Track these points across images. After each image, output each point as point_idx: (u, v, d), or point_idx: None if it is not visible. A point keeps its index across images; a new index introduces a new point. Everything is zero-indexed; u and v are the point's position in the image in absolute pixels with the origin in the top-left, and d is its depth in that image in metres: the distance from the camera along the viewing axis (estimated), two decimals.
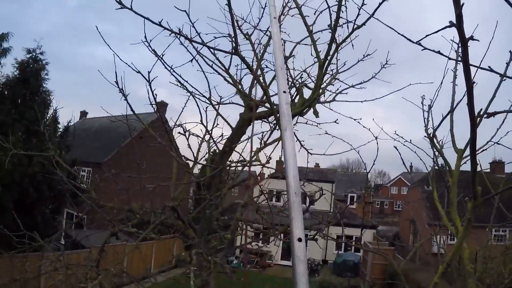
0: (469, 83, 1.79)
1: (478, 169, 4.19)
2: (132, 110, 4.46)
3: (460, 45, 1.72)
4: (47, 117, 23.16)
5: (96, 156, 32.53)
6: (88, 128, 39.85)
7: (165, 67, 4.40)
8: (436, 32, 1.96)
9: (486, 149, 4.08)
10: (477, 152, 3.95)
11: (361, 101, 4.96)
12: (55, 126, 24.35)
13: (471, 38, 1.70)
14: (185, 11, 4.12)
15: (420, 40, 2.20)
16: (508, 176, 3.95)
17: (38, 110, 20.68)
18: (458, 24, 1.63)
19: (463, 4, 1.59)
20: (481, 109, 2.04)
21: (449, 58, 2.65)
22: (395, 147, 4.59)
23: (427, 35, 2.14)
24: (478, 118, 2.04)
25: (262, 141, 4.20)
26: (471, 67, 2.66)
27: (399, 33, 2.42)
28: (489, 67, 2.70)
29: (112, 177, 5.39)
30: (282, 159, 1.60)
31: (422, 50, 2.28)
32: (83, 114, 44.95)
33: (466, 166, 3.93)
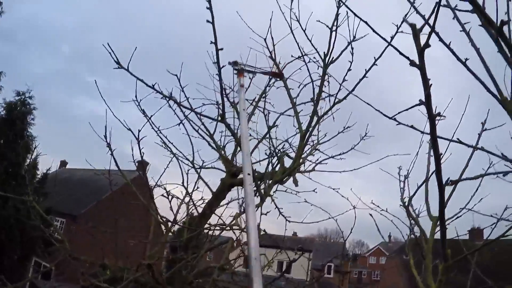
0: (437, 155, 1.96)
1: (454, 236, 4.32)
2: (117, 166, 4.53)
3: (428, 121, 1.89)
4: (28, 162, 22.92)
5: (72, 208, 31.79)
6: (66, 178, 39.20)
7: (152, 128, 4.53)
8: (407, 109, 2.15)
9: (460, 216, 4.18)
10: (452, 219, 4.10)
11: (340, 172, 5.10)
12: (34, 172, 24.06)
13: (438, 114, 1.87)
14: (176, 75, 4.31)
15: (394, 116, 2.37)
16: (485, 242, 4.03)
17: (20, 155, 20.52)
18: (427, 103, 1.81)
19: (431, 84, 1.78)
20: (449, 178, 2.19)
21: (422, 132, 2.83)
22: (371, 215, 4.69)
23: (399, 112, 2.33)
24: (446, 186, 2.19)
25: (242, 206, 4.27)
26: (444, 139, 2.84)
27: (375, 109, 2.60)
28: (458, 139, 2.89)
29: (88, 230, 5.35)
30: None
31: (397, 125, 2.46)
32: (63, 163, 44.40)
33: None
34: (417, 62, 1.86)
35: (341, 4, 4.10)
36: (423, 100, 1.86)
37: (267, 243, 4.56)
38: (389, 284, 36.19)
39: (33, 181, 22.32)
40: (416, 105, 1.91)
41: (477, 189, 3.99)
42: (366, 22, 2.26)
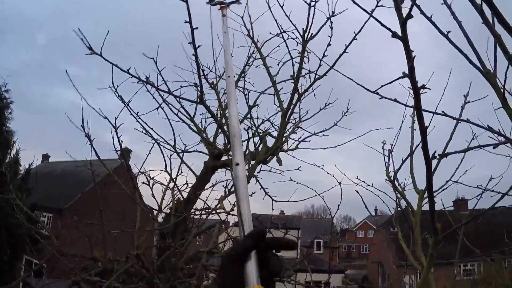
0: (422, 128, 1.92)
1: (440, 207, 4.35)
2: (97, 156, 4.43)
3: (413, 93, 1.85)
4: (9, 158, 22.54)
5: (57, 202, 31.49)
6: (50, 172, 38.74)
7: (131, 114, 4.44)
8: (391, 82, 2.11)
9: (446, 188, 4.19)
10: (438, 192, 4.12)
11: (324, 149, 5.08)
12: (16, 168, 23.69)
13: (423, 87, 1.84)
14: (152, 58, 4.21)
15: (377, 90, 2.34)
16: (471, 212, 4.06)
17: (0, 151, 20.15)
18: (411, 75, 1.77)
19: (414, 56, 1.74)
20: (435, 151, 2.17)
21: (406, 106, 2.80)
22: (357, 191, 4.68)
23: (382, 86, 2.29)
24: (433, 160, 2.17)
25: (226, 189, 4.24)
26: (426, 112, 2.83)
27: (357, 83, 2.57)
28: (443, 111, 2.88)
29: (74, 224, 5.29)
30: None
31: (380, 99, 2.43)
32: (45, 157, 43.75)
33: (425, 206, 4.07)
34: (400, 34, 1.80)
35: None
36: (407, 72, 1.81)
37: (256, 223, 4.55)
38: (378, 257, 36.87)
39: (16, 178, 21.99)
40: (400, 77, 1.87)
41: (461, 161, 4.01)
42: None
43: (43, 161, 43.31)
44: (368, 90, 2.40)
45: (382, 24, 2.09)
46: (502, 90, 2.78)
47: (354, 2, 2.15)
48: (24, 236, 17.77)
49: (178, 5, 3.21)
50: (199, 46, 3.41)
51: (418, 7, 2.17)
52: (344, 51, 4.00)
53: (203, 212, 4.29)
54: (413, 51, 1.76)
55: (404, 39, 1.76)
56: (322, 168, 4.80)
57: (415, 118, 4.40)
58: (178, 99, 4.46)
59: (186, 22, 3.11)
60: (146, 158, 4.79)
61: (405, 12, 1.80)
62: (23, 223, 5.34)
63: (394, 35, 1.81)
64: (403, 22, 1.79)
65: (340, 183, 4.51)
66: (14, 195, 5.68)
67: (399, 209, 4.85)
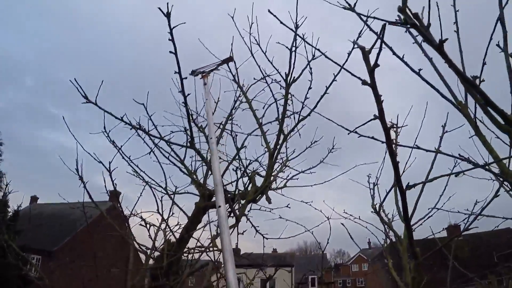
0: (394, 163, 2.11)
1: (429, 234, 4.47)
2: (91, 198, 4.55)
3: (384, 133, 2.04)
4: None
5: (46, 244, 30.88)
6: (38, 214, 38.12)
7: (124, 158, 4.58)
8: (364, 124, 2.30)
9: (431, 215, 4.32)
10: (424, 219, 4.26)
11: (311, 185, 5.23)
12: (5, 210, 23.38)
13: (392, 126, 2.04)
14: (143, 104, 4.39)
15: (354, 129, 2.53)
16: (455, 235, 4.19)
17: None
18: (381, 117, 1.98)
19: (383, 100, 1.94)
20: (408, 182, 2.36)
21: (382, 142, 2.99)
22: (342, 224, 4.82)
23: (358, 126, 2.49)
24: (407, 190, 2.36)
25: (218, 228, 4.31)
26: (404, 146, 2.99)
27: (337, 124, 2.76)
28: (416, 145, 3.08)
29: (67, 265, 5.33)
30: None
31: (359, 137, 2.63)
32: (34, 199, 43.15)
33: (418, 234, 4.21)
34: (369, 81, 2.01)
35: (299, 26, 4.27)
36: (377, 114, 2.01)
37: (247, 262, 4.64)
38: None
39: (4, 219, 21.70)
40: (371, 119, 2.07)
41: (444, 188, 4.15)
42: (318, 50, 2.42)
43: (31, 202, 42.71)
44: (347, 129, 2.60)
45: (352, 74, 2.32)
46: (474, 119, 3.02)
47: (326, 57, 2.37)
48: (14, 277, 17.44)
49: (167, 47, 3.40)
50: (188, 95, 3.60)
51: (390, 48, 2.38)
52: (325, 93, 4.22)
53: (196, 251, 4.37)
54: (381, 95, 1.98)
55: (372, 86, 1.98)
56: (310, 205, 4.95)
57: (397, 151, 4.62)
58: (168, 143, 4.63)
59: (175, 72, 3.30)
60: (138, 199, 4.89)
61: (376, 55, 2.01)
62: (14, 264, 5.34)
63: (364, 82, 2.03)
64: (370, 71, 2.01)
65: (328, 218, 4.65)
66: (6, 237, 5.71)
67: (388, 240, 4.98)
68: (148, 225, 4.71)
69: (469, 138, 3.23)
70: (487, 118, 2.88)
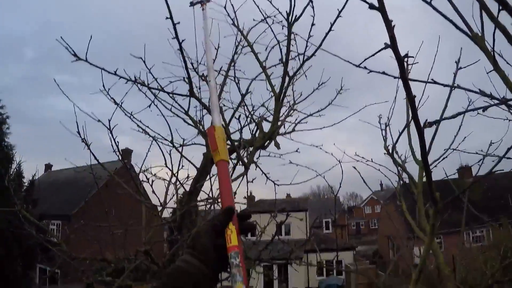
0: (411, 98, 1.93)
1: (443, 176, 4.36)
2: (95, 158, 4.46)
3: (397, 64, 1.84)
4: (11, 172, 22.65)
5: (64, 209, 31.75)
6: (54, 181, 38.94)
7: (125, 114, 4.46)
8: (374, 54, 2.09)
9: (446, 157, 4.16)
10: (438, 161, 4.13)
11: (320, 128, 5.09)
12: (19, 180, 23.82)
13: (406, 55, 1.83)
14: (140, 58, 4.22)
15: (362, 63, 2.32)
16: (477, 178, 4.06)
17: (1, 165, 20.22)
18: (392, 45, 1.76)
19: (394, 25, 1.73)
20: (426, 120, 2.19)
21: (394, 77, 2.81)
22: (354, 167, 4.67)
23: (366, 59, 2.27)
24: (425, 128, 2.18)
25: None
26: (417, 81, 2.84)
27: (343, 59, 2.56)
28: (433, 79, 2.88)
29: (81, 228, 5.33)
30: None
31: (368, 73, 2.42)
32: (48, 167, 43.93)
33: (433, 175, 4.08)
34: (377, 5, 1.79)
35: None
36: (388, 43, 1.81)
37: (261, 209, 4.60)
38: (387, 231, 37.04)
39: (20, 190, 22.10)
40: (382, 49, 1.86)
41: (459, 128, 3.96)
42: None
43: (46, 170, 43.47)
44: (354, 64, 2.39)
45: None
46: (492, 52, 2.79)
47: None
48: (35, 246, 17.92)
49: (160, 4, 3.22)
50: (183, 41, 3.42)
51: None
52: (330, 29, 3.99)
53: (205, 203, 4.32)
54: (392, 20, 1.76)
55: (381, 9, 1.75)
56: (321, 148, 4.83)
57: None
58: (170, 94, 4.48)
59: (167, 18, 3.12)
60: (146, 156, 4.81)
61: None
62: (32, 234, 5.38)
63: (371, 6, 1.80)
64: None
65: (339, 162, 4.53)
66: (19, 207, 5.71)
67: (401, 181, 4.86)
68: (151, 180, 4.63)
69: (487, 73, 3.02)
70: (506, 52, 2.67)
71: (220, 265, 1.30)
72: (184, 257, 1.32)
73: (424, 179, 4.14)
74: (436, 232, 3.32)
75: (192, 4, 2.38)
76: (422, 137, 2.11)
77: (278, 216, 4.54)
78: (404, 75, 1.90)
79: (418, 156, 4.23)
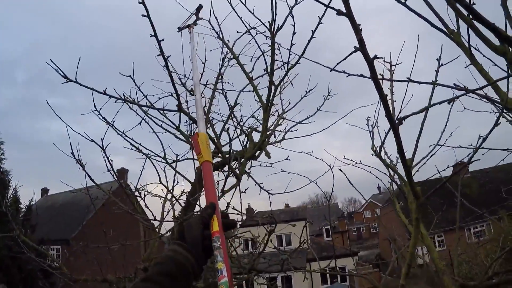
0: (382, 96, 1.98)
1: (434, 173, 4.38)
2: (91, 179, 4.48)
3: (367, 65, 1.88)
4: (8, 198, 22.52)
5: (63, 233, 31.51)
6: (52, 205, 38.69)
7: (118, 133, 4.48)
8: (345, 58, 2.13)
9: (434, 153, 4.17)
10: (427, 158, 4.15)
11: (310, 135, 5.13)
12: (17, 206, 23.66)
13: (375, 57, 1.88)
14: (129, 76, 4.26)
15: (334, 67, 2.35)
16: (453, 173, 4.08)
17: None
18: (361, 47, 1.83)
19: (361, 29, 1.79)
20: (399, 116, 2.24)
21: (367, 77, 2.84)
22: (340, 169, 4.62)
23: (338, 63, 2.30)
24: (399, 125, 2.23)
25: (219, 190, 4.26)
26: (390, 80, 2.86)
27: (316, 62, 2.60)
28: (408, 78, 2.93)
29: (81, 250, 5.34)
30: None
31: (347, 76, 2.46)
32: (45, 191, 43.62)
33: (425, 175, 4.10)
34: (344, 11, 1.85)
35: None
36: (357, 46, 1.86)
37: (261, 221, 4.60)
38: (388, 234, 36.91)
39: (17, 215, 21.97)
40: (352, 52, 1.92)
41: (446, 123, 3.97)
42: None
43: (43, 195, 43.18)
44: (328, 67, 2.43)
45: (324, 4, 2.16)
46: (468, 47, 2.86)
47: None
48: (35, 271, 17.80)
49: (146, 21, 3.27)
50: (168, 57, 3.46)
51: None
52: (312, 37, 4.04)
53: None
54: (359, 24, 1.82)
55: (348, 15, 1.81)
56: (311, 155, 4.87)
57: (393, 90, 4.48)
58: (160, 111, 4.51)
59: (151, 35, 3.16)
60: (141, 174, 4.82)
61: None
62: (32, 258, 5.38)
63: (339, 12, 1.85)
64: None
65: (330, 167, 4.54)
66: (18, 232, 5.72)
67: (394, 183, 4.87)
68: (144, 195, 4.65)
69: (465, 68, 3.09)
70: (482, 45, 2.73)
71: (205, 254, 1.48)
72: (172, 247, 1.48)
73: (420, 178, 4.18)
74: (438, 228, 3.37)
75: (180, 29, 2.46)
76: (397, 133, 2.16)
77: (278, 226, 4.56)
78: (373, 76, 1.95)
79: (408, 155, 4.23)
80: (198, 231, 1.48)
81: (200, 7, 3.18)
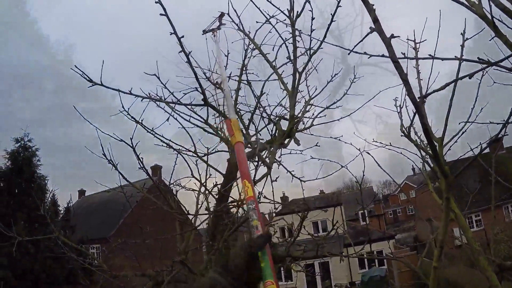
0: (402, 76, 1.92)
1: (467, 151, 4.29)
2: (124, 177, 4.57)
3: (385, 45, 1.84)
4: (46, 201, 23.19)
5: (101, 232, 32.32)
6: (89, 206, 39.73)
7: (147, 131, 4.55)
8: (361, 40, 2.10)
9: (465, 131, 4.08)
10: (458, 136, 4.06)
11: (338, 119, 5.11)
12: (55, 208, 24.39)
13: (392, 36, 1.83)
14: (155, 74, 4.31)
15: (352, 49, 2.33)
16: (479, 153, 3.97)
17: (36, 197, 20.75)
18: (376, 27, 1.78)
19: (375, 9, 1.74)
20: (422, 94, 2.19)
21: (387, 56, 2.79)
22: (368, 152, 4.58)
23: (355, 45, 2.28)
24: (422, 103, 2.18)
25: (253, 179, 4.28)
26: (419, 59, 2.80)
27: (341, 47, 2.57)
28: (430, 55, 2.86)
29: (120, 247, 5.46)
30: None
31: (369, 58, 2.42)
32: (81, 192, 44.87)
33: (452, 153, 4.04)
34: None
35: None
36: (373, 26, 1.83)
37: (296, 208, 4.61)
38: (424, 215, 36.40)
39: (56, 218, 22.62)
40: (368, 33, 1.89)
41: (475, 100, 3.89)
42: None
43: (80, 196, 44.35)
44: (346, 49, 2.40)
45: None
46: (491, 18, 2.77)
47: None
48: (76, 270, 18.31)
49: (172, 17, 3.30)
50: (190, 52, 3.48)
51: None
52: (332, 20, 4.01)
53: (231, 206, 4.37)
54: (373, 4, 1.78)
55: None
56: (339, 139, 4.85)
57: (419, 69, 4.41)
58: (187, 106, 4.56)
59: (171, 33, 3.18)
60: (173, 169, 4.89)
61: None
62: (73, 258, 5.53)
63: None
64: None
65: (360, 151, 4.51)
66: (57, 233, 5.89)
67: (425, 163, 4.79)
68: (176, 191, 4.73)
69: (489, 40, 3.00)
70: (505, 16, 2.65)
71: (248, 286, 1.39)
72: (211, 275, 1.40)
73: (450, 157, 4.10)
74: (475, 208, 3.29)
75: (204, 32, 2.52)
76: (420, 111, 2.10)
77: (313, 213, 4.56)
78: (392, 56, 1.90)
79: (437, 134, 4.16)
80: (242, 261, 1.37)
81: (222, 15, 3.25)
